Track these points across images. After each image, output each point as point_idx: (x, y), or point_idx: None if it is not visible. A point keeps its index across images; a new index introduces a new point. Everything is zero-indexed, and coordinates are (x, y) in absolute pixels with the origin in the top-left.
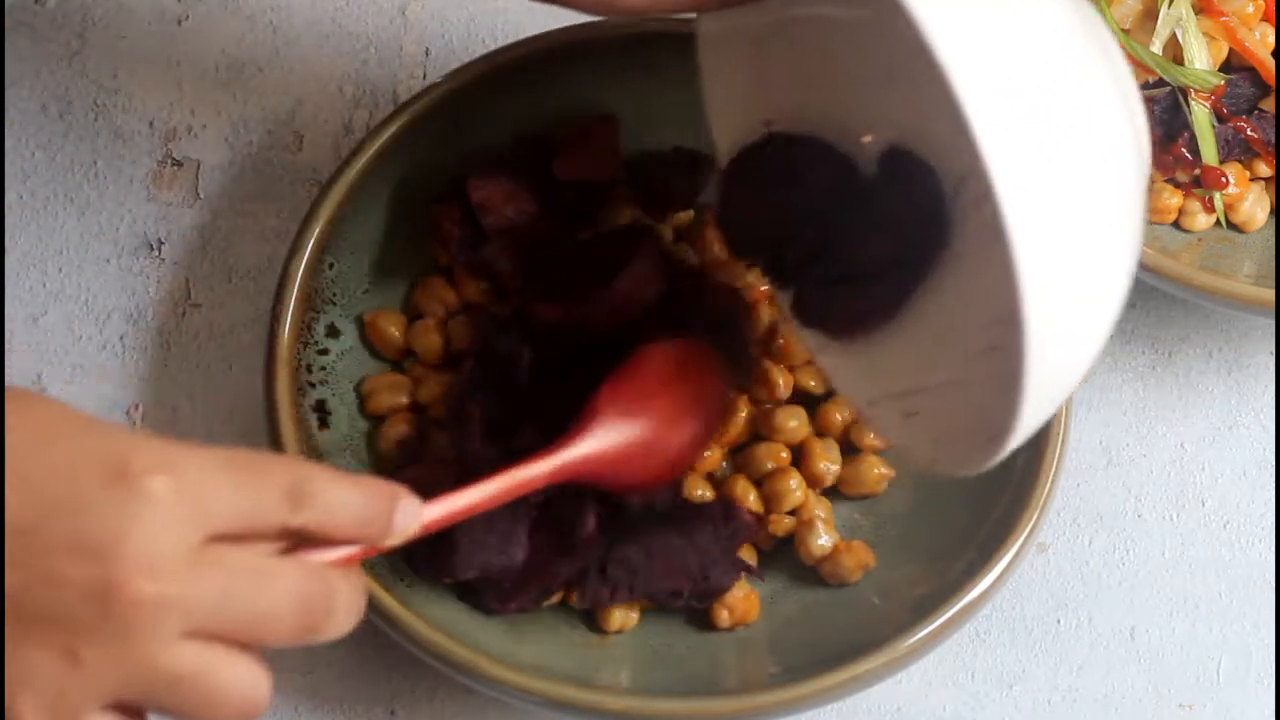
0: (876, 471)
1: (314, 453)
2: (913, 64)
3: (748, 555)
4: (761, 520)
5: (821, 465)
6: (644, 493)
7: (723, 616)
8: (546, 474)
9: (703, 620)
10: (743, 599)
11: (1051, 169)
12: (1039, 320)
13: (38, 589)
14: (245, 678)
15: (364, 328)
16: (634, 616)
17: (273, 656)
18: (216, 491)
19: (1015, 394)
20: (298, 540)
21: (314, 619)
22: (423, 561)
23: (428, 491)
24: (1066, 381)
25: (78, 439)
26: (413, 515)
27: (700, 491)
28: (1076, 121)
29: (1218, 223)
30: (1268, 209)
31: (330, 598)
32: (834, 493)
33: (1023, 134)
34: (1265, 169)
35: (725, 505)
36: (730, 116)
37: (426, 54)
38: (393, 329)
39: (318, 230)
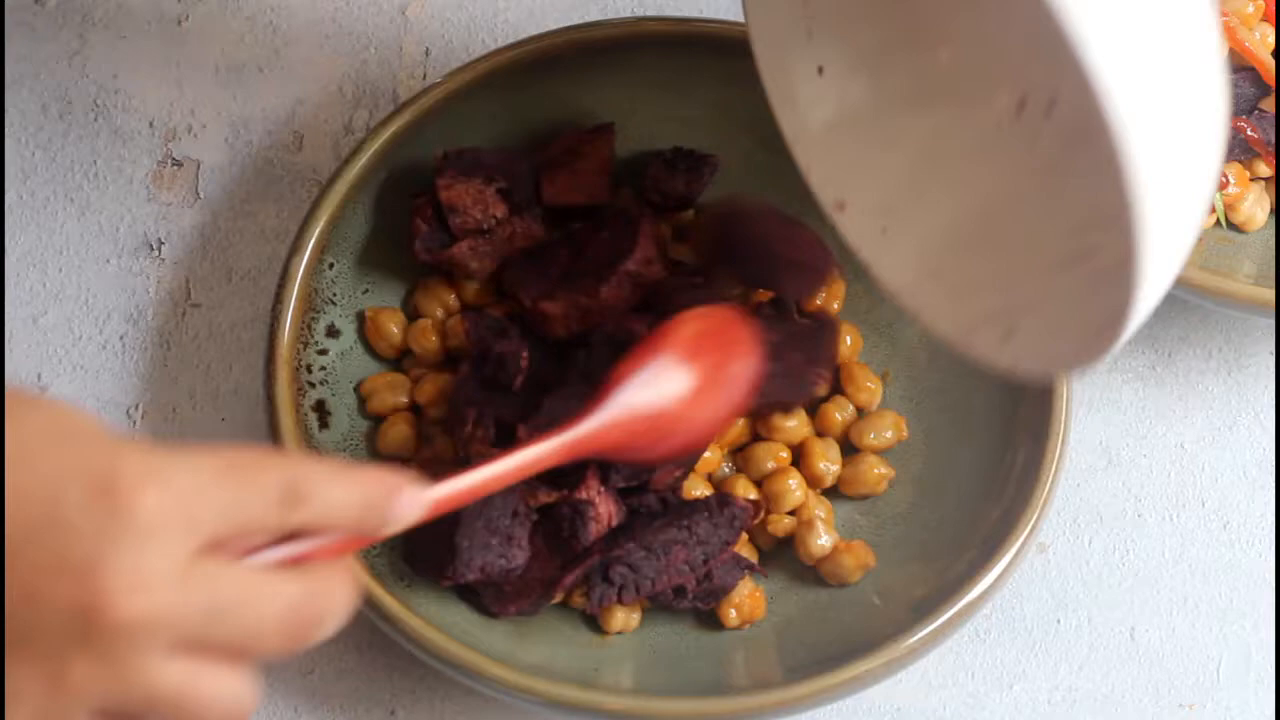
0: (876, 471)
1: (314, 453)
2: None
3: (748, 554)
4: (759, 508)
5: (821, 465)
6: (661, 465)
7: (730, 616)
8: (561, 449)
9: (703, 620)
10: (749, 596)
11: (1141, 60)
12: (1146, 211)
13: (22, 608)
14: (230, 690)
15: (364, 325)
16: (635, 617)
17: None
18: (208, 499)
19: (1125, 284)
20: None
21: (302, 633)
22: (424, 564)
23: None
24: (1174, 261)
25: (65, 451)
26: (415, 506)
27: (699, 491)
28: (1159, 16)
29: (1218, 223)
30: (1268, 209)
31: (320, 609)
32: (834, 493)
33: (1113, 31)
34: (1265, 169)
35: (721, 496)
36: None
37: (426, 54)
38: (393, 326)
39: (318, 230)
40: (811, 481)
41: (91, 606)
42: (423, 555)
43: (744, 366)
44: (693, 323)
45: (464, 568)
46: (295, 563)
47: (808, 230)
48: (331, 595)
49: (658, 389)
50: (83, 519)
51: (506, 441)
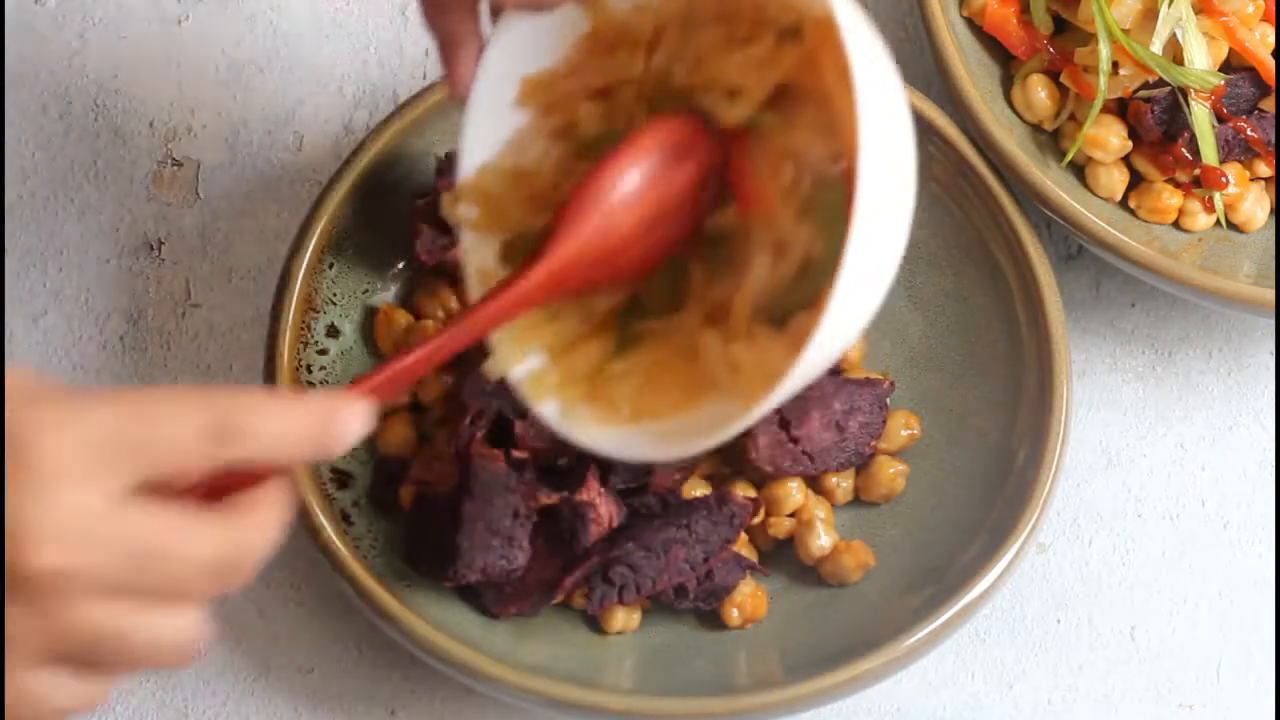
0: (891, 470)
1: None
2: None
3: (748, 554)
4: (758, 506)
5: (831, 480)
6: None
7: (733, 615)
8: (520, 299)
9: (703, 620)
10: (750, 595)
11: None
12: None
13: None
14: (171, 629)
15: (372, 321)
16: (635, 617)
17: (272, 654)
18: (120, 440)
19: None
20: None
21: (229, 576)
22: (425, 565)
23: (429, 491)
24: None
25: None
26: (360, 418)
27: (698, 492)
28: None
29: (1218, 223)
30: (1268, 209)
31: (247, 549)
32: (857, 502)
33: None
34: (1265, 169)
35: (720, 494)
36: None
37: (426, 54)
38: (401, 324)
39: (318, 230)
40: (826, 496)
41: (13, 560)
42: (424, 556)
43: (689, 174)
44: (637, 144)
45: (465, 569)
46: (219, 493)
47: None
48: (260, 532)
49: (606, 224)
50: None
51: (505, 440)
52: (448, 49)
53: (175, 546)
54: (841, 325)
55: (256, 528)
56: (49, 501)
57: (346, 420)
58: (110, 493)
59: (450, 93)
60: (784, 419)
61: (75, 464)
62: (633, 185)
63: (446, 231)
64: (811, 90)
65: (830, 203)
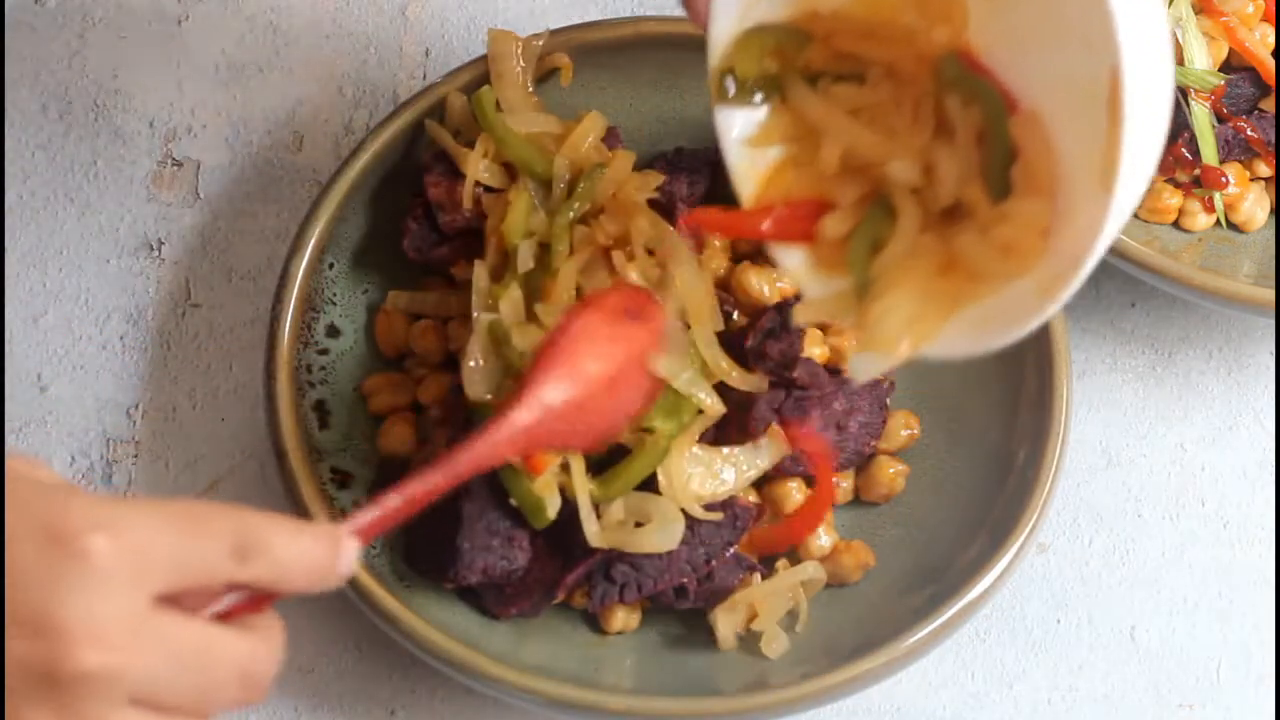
0: (891, 470)
1: (314, 453)
2: None
3: (748, 554)
4: (761, 511)
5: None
6: (590, 450)
7: (733, 616)
8: (492, 449)
9: (703, 620)
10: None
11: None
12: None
13: None
14: None
15: (371, 320)
16: (635, 617)
17: None
18: (159, 549)
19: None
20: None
21: (256, 689)
22: (425, 566)
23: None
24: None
25: (12, 500)
26: (352, 556)
27: None
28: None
29: (1218, 223)
30: (1268, 209)
31: (269, 664)
32: (857, 502)
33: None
34: (1265, 169)
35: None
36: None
37: (426, 54)
38: (403, 323)
39: (318, 230)
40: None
41: (50, 658)
42: (424, 557)
43: (650, 341)
44: (597, 307)
45: (466, 570)
46: (226, 617)
47: None
48: (275, 650)
49: (572, 380)
50: (34, 567)
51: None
52: None
53: (213, 653)
54: (1141, 146)
55: (273, 644)
56: (98, 601)
57: (350, 554)
58: (146, 600)
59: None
60: (783, 419)
61: (122, 567)
62: (596, 344)
63: (435, 229)
64: None
65: (956, 74)
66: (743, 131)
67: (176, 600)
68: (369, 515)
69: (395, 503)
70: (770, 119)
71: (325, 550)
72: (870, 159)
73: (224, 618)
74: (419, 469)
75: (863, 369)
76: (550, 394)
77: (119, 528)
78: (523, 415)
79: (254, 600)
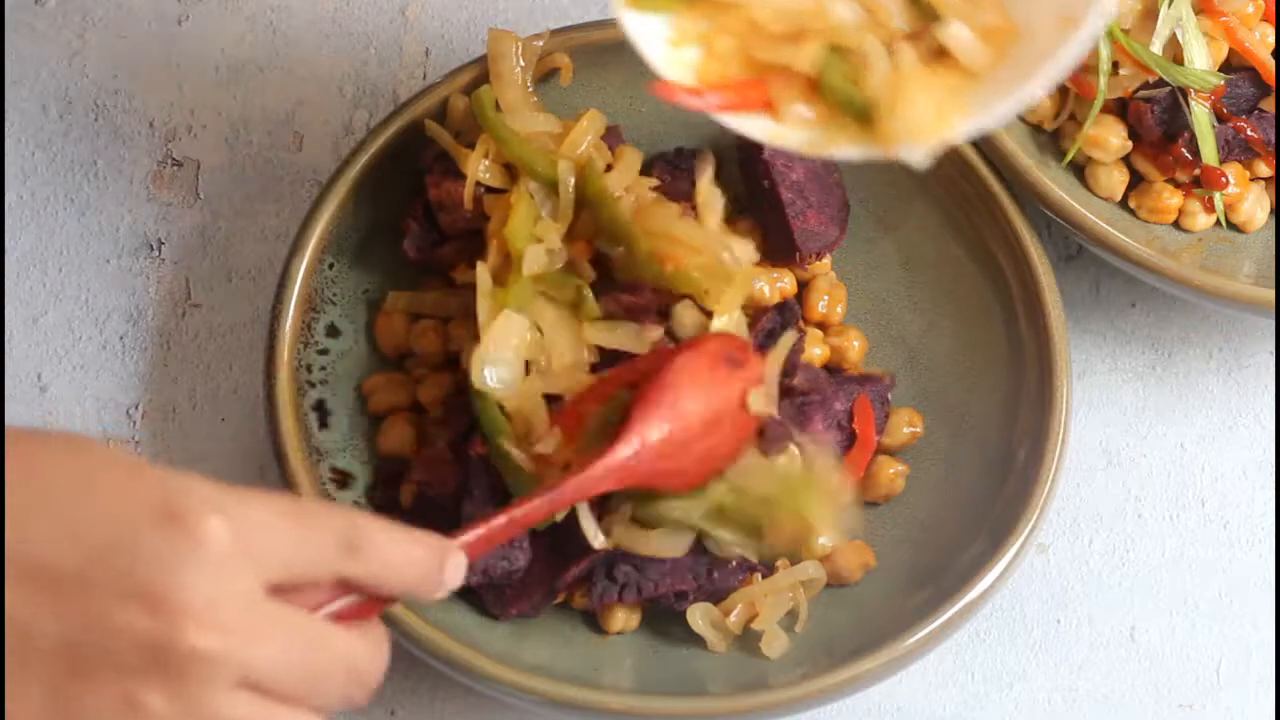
0: (891, 470)
1: (314, 453)
2: None
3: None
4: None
5: None
6: (688, 489)
7: (732, 617)
8: (596, 481)
9: None
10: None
11: None
12: None
13: (95, 635)
14: None
15: (371, 319)
16: (635, 617)
17: None
18: (274, 539)
19: None
20: (346, 589)
21: (361, 689)
22: None
23: (429, 490)
24: None
25: (129, 480)
26: (460, 570)
27: None
28: None
29: (1218, 223)
30: (1268, 209)
31: (376, 667)
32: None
33: None
34: (1265, 169)
35: None
36: None
37: (426, 54)
38: (404, 323)
39: (318, 230)
40: None
41: (165, 635)
42: None
43: (748, 386)
44: (698, 351)
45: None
46: (336, 620)
47: (841, 193)
48: (383, 652)
49: (673, 419)
50: (152, 543)
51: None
52: None
53: (325, 646)
54: None
55: (381, 647)
56: (215, 583)
57: (456, 566)
58: (261, 587)
59: None
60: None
61: (237, 552)
62: (695, 387)
63: (435, 229)
64: None
65: None
66: (662, 31)
67: (287, 595)
68: (476, 532)
69: (501, 522)
70: (682, 12)
71: (434, 558)
72: (800, 11)
73: (334, 620)
74: (528, 494)
75: (917, 155)
76: (653, 432)
77: (236, 514)
78: (625, 450)
79: (363, 606)
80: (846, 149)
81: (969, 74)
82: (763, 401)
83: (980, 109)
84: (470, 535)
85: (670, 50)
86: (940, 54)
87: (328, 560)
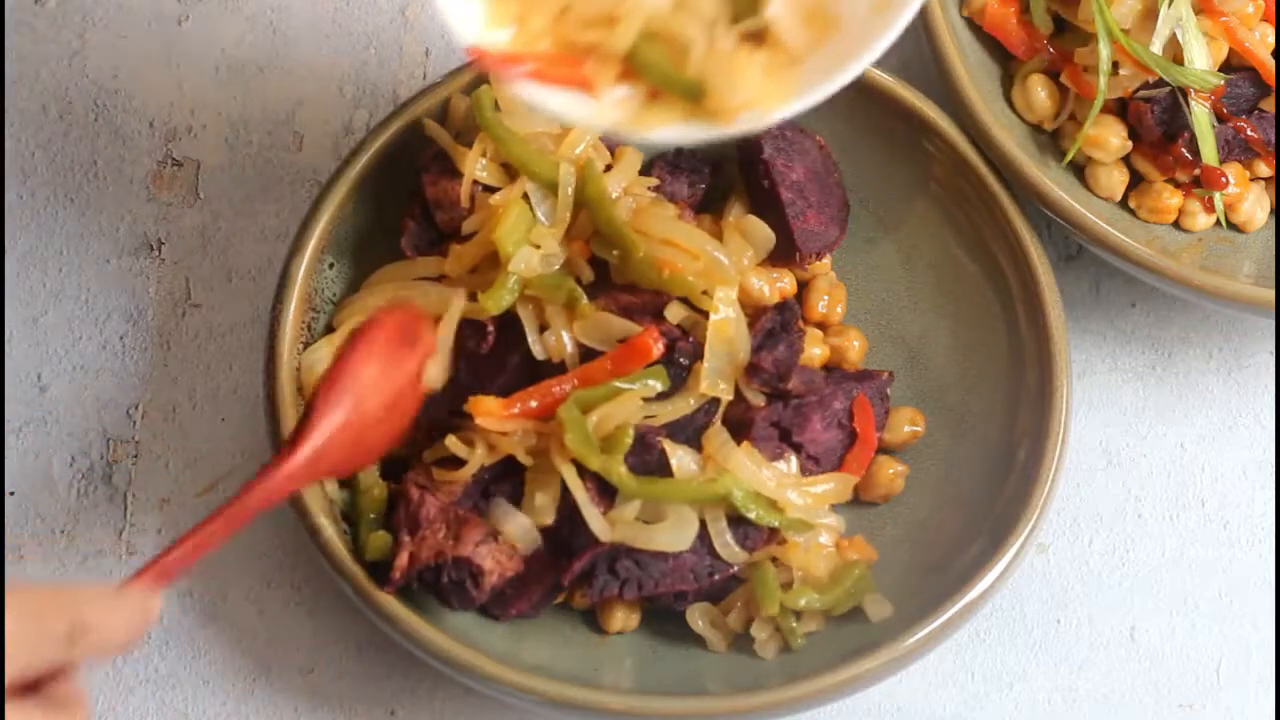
0: (891, 470)
1: None
2: None
3: None
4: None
5: None
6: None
7: (732, 616)
8: (277, 488)
9: None
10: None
11: None
12: None
13: None
14: None
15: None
16: (635, 617)
17: (272, 655)
18: (11, 652)
19: None
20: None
21: None
22: None
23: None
24: None
25: None
26: (158, 609)
27: None
28: None
29: (1218, 223)
30: (1268, 209)
31: None
32: (857, 501)
33: None
34: (1265, 169)
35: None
36: None
37: (426, 54)
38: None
39: (318, 230)
40: None
41: None
42: None
43: (423, 360)
44: (370, 337)
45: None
46: (33, 686)
47: (841, 193)
48: (83, 712)
49: (351, 414)
50: None
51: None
52: None
53: None
54: None
55: (81, 702)
56: None
57: (157, 607)
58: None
59: None
60: (783, 428)
61: None
62: (374, 372)
63: (433, 227)
64: None
65: None
66: (477, 12)
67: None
68: (165, 563)
69: (187, 550)
70: None
71: (140, 613)
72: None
73: (30, 687)
74: (208, 516)
75: (750, 122)
76: (334, 430)
77: None
78: (302, 455)
79: (59, 670)
80: (670, 130)
81: (789, 56)
82: (436, 374)
83: (803, 88)
84: (159, 568)
85: (485, 32)
86: (758, 40)
87: (54, 654)
